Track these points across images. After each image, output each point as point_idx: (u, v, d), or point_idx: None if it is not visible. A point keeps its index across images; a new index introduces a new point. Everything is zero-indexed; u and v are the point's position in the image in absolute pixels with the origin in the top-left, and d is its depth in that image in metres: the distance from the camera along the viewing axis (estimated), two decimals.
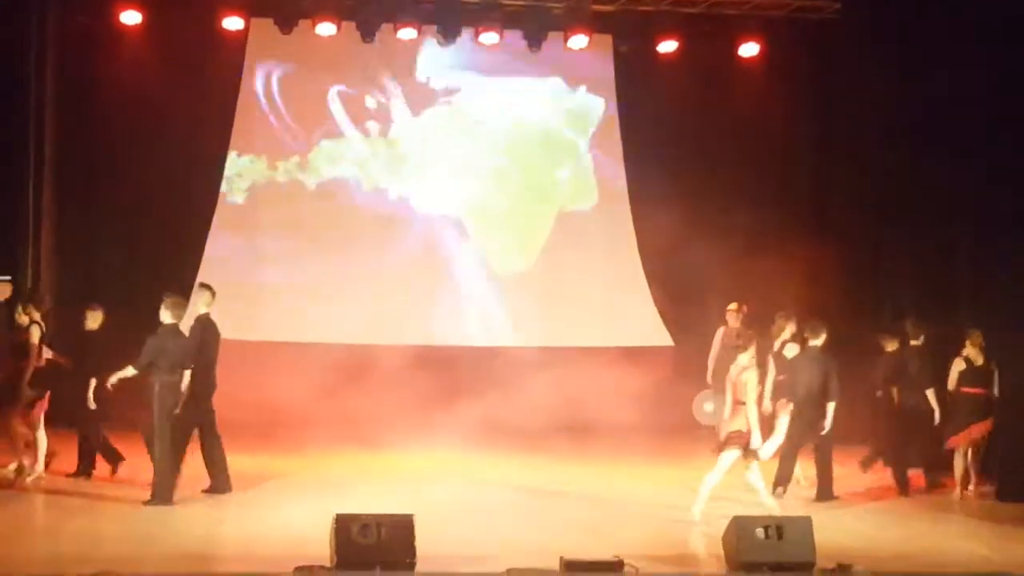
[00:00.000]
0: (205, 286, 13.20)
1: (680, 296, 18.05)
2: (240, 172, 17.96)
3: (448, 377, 16.52)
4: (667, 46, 18.04)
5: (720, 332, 16.35)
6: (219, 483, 12.57)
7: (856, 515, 12.55)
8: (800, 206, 18.42)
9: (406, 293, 18.07)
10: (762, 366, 12.84)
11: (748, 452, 11.94)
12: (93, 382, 12.88)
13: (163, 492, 11.92)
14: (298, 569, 9.29)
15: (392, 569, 9.25)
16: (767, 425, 12.69)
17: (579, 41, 17.87)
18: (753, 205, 18.02)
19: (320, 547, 9.54)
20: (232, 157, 17.88)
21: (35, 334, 12.88)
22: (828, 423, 13.25)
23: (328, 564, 9.33)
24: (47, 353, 13.04)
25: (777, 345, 14.17)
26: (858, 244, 17.47)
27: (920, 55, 15.90)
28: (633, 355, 16.88)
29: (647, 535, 11.07)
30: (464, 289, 18.18)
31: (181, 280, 17.13)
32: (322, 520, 9.76)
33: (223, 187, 17.82)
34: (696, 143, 18.33)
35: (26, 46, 16.93)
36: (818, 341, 13.46)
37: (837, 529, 11.34)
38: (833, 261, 17.70)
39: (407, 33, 17.58)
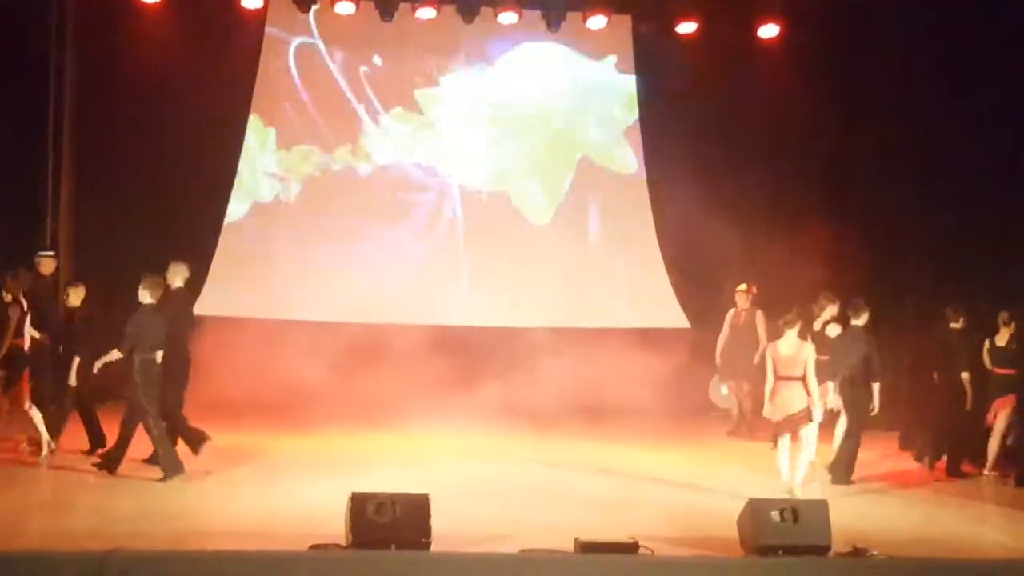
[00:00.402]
0: (181, 261, 13.25)
1: (697, 278, 18.00)
2: (261, 150, 17.92)
3: (465, 357, 16.51)
4: (687, 27, 17.98)
5: (730, 314, 16.39)
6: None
7: (872, 499, 12.51)
8: (820, 187, 18.30)
9: (423, 273, 18.03)
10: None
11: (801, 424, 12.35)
12: (77, 360, 12.86)
13: (173, 465, 12.04)
14: (313, 547, 9.32)
15: (407, 548, 9.25)
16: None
17: (597, 21, 17.84)
18: (773, 187, 18.00)
19: (335, 525, 9.55)
20: (254, 135, 17.82)
21: (14, 313, 12.73)
22: (876, 403, 13.33)
23: (343, 542, 9.34)
24: (33, 333, 12.96)
25: (819, 325, 14.22)
26: (879, 225, 17.37)
27: (942, 33, 15.79)
28: (650, 337, 16.83)
29: (662, 517, 11.07)
30: (482, 268, 18.13)
31: (200, 260, 17.21)
32: (338, 499, 9.77)
33: (241, 164, 17.77)
34: (716, 125, 18.24)
35: (45, 25, 16.95)
36: (860, 321, 13.53)
37: (853, 513, 11.32)
38: (854, 242, 17.66)
39: (426, 12, 17.53)
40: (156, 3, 17.07)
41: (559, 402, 15.68)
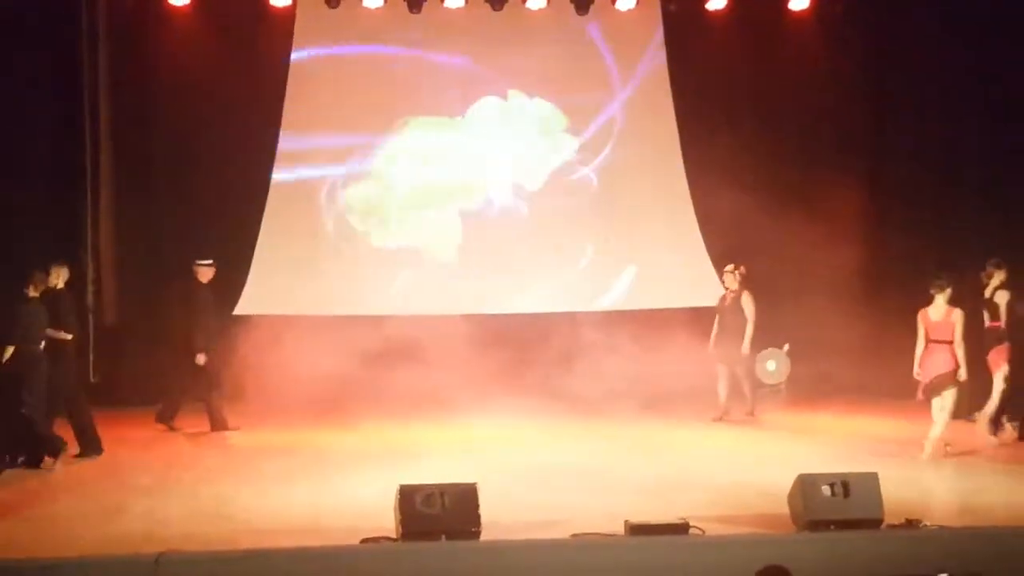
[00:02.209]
0: (64, 262, 13.59)
1: (737, 254, 17.90)
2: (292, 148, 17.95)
3: (510, 345, 16.50)
4: (716, 3, 17.90)
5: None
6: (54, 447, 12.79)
7: (924, 469, 12.45)
8: (856, 162, 18.21)
9: (468, 263, 18.07)
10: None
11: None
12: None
13: (94, 445, 13.04)
14: (364, 541, 9.34)
15: (457, 538, 9.27)
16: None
17: (627, 2, 17.78)
18: (808, 163, 17.87)
19: (386, 519, 9.58)
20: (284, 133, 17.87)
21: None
22: None
23: (394, 535, 9.37)
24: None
25: (988, 292, 14.27)
26: (917, 200, 17.20)
27: (976, 4, 15.63)
28: (692, 316, 16.78)
29: (712, 496, 11.04)
30: (525, 254, 18.11)
31: (237, 256, 17.30)
32: (387, 492, 9.79)
33: (277, 165, 17.81)
34: (748, 101, 18.18)
35: (77, 31, 17.08)
36: None
37: (904, 484, 11.23)
38: (892, 218, 17.58)
39: (454, 2, 17.51)
40: (186, 5, 17.12)
41: (605, 386, 15.63)
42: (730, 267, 15.92)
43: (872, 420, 15.60)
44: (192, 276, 15.29)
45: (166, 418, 15.24)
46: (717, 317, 15.90)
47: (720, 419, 15.58)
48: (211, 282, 15.34)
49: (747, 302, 15.64)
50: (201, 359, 14.97)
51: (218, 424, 15.18)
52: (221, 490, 11.53)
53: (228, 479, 12.04)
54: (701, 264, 18.18)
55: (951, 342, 12.75)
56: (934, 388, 12.87)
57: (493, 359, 15.50)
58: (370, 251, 17.72)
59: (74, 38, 17.01)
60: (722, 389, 15.76)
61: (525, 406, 15.43)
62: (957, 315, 12.80)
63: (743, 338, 15.51)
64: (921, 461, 12.75)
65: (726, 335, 15.68)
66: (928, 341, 12.90)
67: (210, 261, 15.42)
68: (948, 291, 12.84)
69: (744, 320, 15.56)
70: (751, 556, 8.05)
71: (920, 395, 13.03)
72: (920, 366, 12.96)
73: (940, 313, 12.86)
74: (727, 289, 15.95)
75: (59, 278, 13.37)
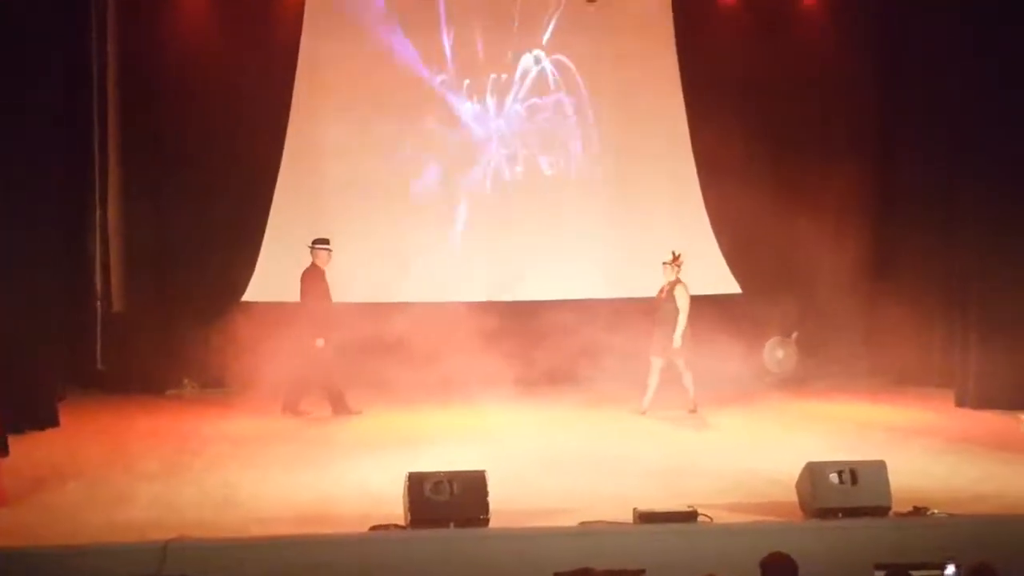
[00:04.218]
0: None
1: (746, 244, 17.92)
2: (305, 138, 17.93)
3: (517, 332, 16.49)
4: None
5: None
6: None
7: (931, 457, 12.44)
8: (865, 154, 18.16)
9: (478, 250, 18.07)
10: None
11: None
12: None
13: None
14: (374, 528, 9.37)
15: (466, 525, 9.31)
16: None
17: None
18: (817, 155, 17.80)
19: (394, 506, 9.60)
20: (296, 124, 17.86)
21: None
22: None
23: (403, 522, 9.39)
24: None
25: None
26: (926, 192, 17.09)
27: None
28: (701, 304, 16.76)
29: (720, 484, 11.06)
30: (534, 242, 18.09)
31: (245, 242, 17.31)
32: (396, 479, 9.81)
33: (284, 154, 17.78)
34: (759, 92, 18.11)
35: (87, 14, 17.06)
36: None
37: (912, 472, 11.26)
38: (901, 208, 17.54)
39: None
40: None
41: (612, 373, 15.64)
42: (668, 259, 15.26)
43: (880, 408, 15.60)
44: (311, 259, 15.41)
45: (291, 406, 15.17)
46: (656, 309, 15.38)
47: (644, 413, 15.12)
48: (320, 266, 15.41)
49: (680, 293, 15.06)
50: (320, 343, 14.99)
51: (340, 408, 15.24)
52: (229, 477, 11.56)
53: (236, 466, 12.06)
54: (710, 253, 18.16)
55: None
56: None
57: (502, 346, 15.47)
58: (378, 238, 17.66)
59: (83, 20, 16.98)
60: (651, 383, 15.21)
61: (534, 393, 15.47)
62: None
63: (673, 332, 14.96)
64: (929, 449, 12.76)
65: (661, 326, 15.16)
66: None
67: (328, 244, 15.45)
68: None
69: (678, 312, 15.01)
70: (759, 544, 8.05)
71: None
72: None
73: None
74: (666, 280, 15.28)
75: None
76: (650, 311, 15.32)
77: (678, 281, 15.14)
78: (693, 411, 15.18)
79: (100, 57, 17.26)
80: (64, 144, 15.60)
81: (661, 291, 15.29)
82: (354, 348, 15.53)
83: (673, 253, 15.22)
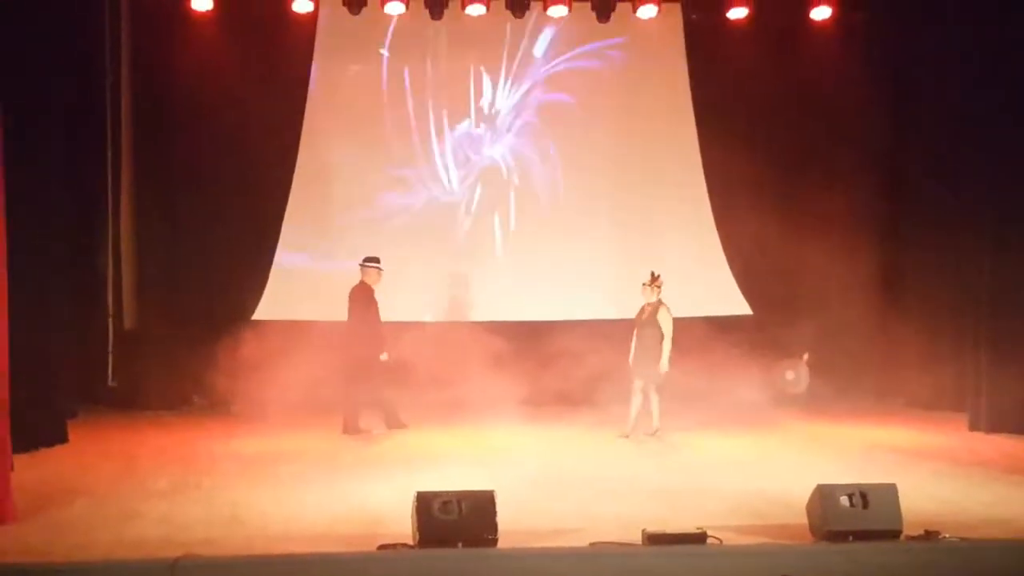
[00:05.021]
0: None
1: (757, 265, 17.90)
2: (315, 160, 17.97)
3: (526, 351, 16.49)
4: (737, 12, 17.85)
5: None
6: None
7: (943, 480, 12.38)
8: (875, 172, 18.18)
9: (487, 271, 18.10)
10: None
11: None
12: None
13: None
14: (382, 547, 9.35)
15: (475, 545, 9.27)
16: None
17: (648, 11, 17.72)
18: (827, 173, 17.81)
19: (403, 525, 9.58)
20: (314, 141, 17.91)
21: None
22: None
23: (411, 542, 9.36)
24: None
25: None
26: (937, 213, 17.04)
27: (999, 10, 15.49)
28: (711, 325, 16.76)
29: (730, 506, 11.00)
30: (544, 263, 18.11)
31: (256, 262, 17.34)
32: (403, 498, 9.79)
33: (295, 176, 17.81)
34: (769, 110, 18.15)
35: (100, 38, 17.15)
36: None
37: (923, 495, 11.21)
38: (912, 229, 17.50)
39: (476, 9, 17.47)
40: (208, 11, 17.11)
41: (622, 394, 15.60)
42: (646, 280, 15.00)
43: (891, 431, 15.56)
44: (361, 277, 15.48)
45: (351, 426, 15.23)
46: (635, 331, 15.14)
47: (627, 436, 14.94)
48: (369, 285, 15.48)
49: (664, 317, 14.75)
50: (384, 357, 15.12)
51: (393, 422, 15.36)
52: (238, 495, 11.53)
53: (245, 484, 12.04)
54: (721, 275, 18.16)
55: None
56: None
57: (510, 366, 15.47)
58: (387, 259, 17.66)
59: (97, 44, 17.08)
60: (634, 406, 15.04)
61: (542, 413, 15.45)
62: None
63: (660, 354, 14.72)
64: (940, 472, 12.71)
65: (643, 350, 14.95)
66: None
67: (379, 263, 15.51)
68: None
69: (661, 335, 14.79)
70: (769, 566, 8.04)
71: None
72: None
73: None
74: (646, 302, 15.05)
75: None
76: (629, 330, 15.20)
77: (660, 303, 14.89)
78: (652, 434, 14.97)
79: (113, 80, 17.39)
80: (77, 165, 15.68)
81: (642, 311, 15.06)
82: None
83: (652, 274, 15.00)
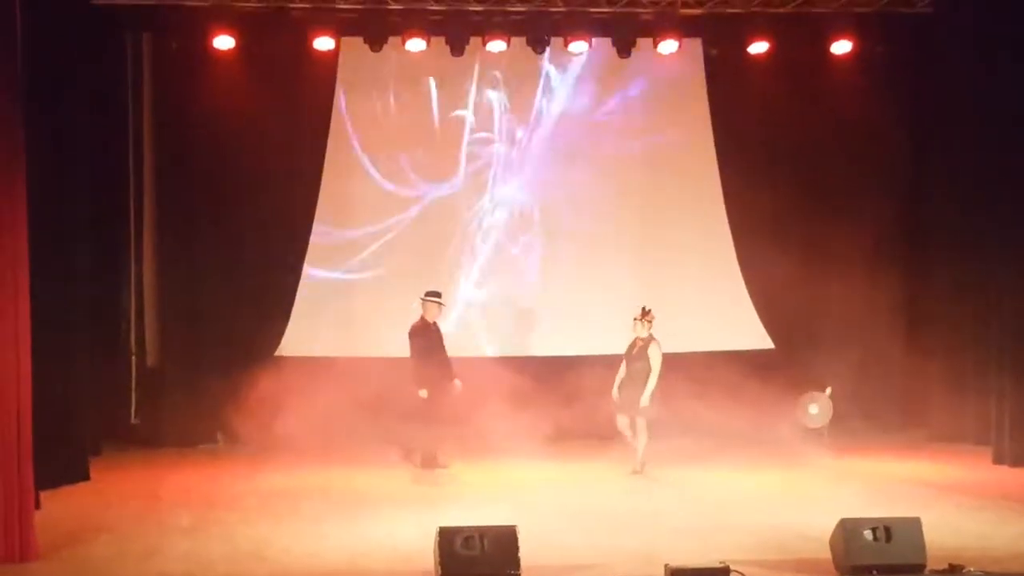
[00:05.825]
0: None
1: (779, 298, 17.83)
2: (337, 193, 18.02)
3: (546, 387, 16.44)
4: (758, 47, 17.86)
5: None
6: None
7: (967, 514, 12.31)
8: (897, 205, 18.14)
9: (509, 305, 18.10)
10: None
11: None
12: None
13: None
14: None
15: None
16: None
17: (669, 46, 17.73)
18: (848, 207, 17.76)
19: (425, 561, 9.57)
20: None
21: None
22: None
23: None
24: None
25: None
26: (960, 244, 16.99)
27: (1019, 45, 15.46)
28: (733, 359, 16.72)
29: (753, 540, 10.97)
30: (563, 297, 18.10)
31: (281, 301, 17.39)
32: (426, 533, 9.79)
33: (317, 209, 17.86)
34: (790, 144, 18.14)
35: (123, 75, 17.28)
36: None
37: (947, 529, 11.15)
38: (934, 262, 17.45)
39: (496, 46, 17.53)
40: (230, 50, 17.20)
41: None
42: (637, 314, 15.01)
43: (915, 464, 15.49)
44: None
45: (429, 461, 15.28)
46: (624, 364, 15.09)
47: (639, 471, 14.85)
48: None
49: (654, 353, 14.73)
50: (423, 394, 15.08)
51: (428, 461, 15.27)
52: (260, 532, 11.54)
53: (267, 521, 12.04)
54: (743, 308, 18.13)
55: None
56: None
57: (530, 401, 15.45)
58: (409, 293, 17.69)
59: (119, 81, 17.22)
60: (639, 440, 14.90)
61: (563, 449, 15.43)
62: None
63: (643, 390, 14.68)
64: (965, 506, 12.64)
65: (631, 384, 14.87)
66: None
67: (440, 297, 15.62)
68: None
69: (648, 371, 14.74)
70: None
71: None
72: None
73: None
74: (636, 336, 15.01)
75: None
76: (618, 365, 15.16)
77: (651, 338, 14.87)
78: (638, 472, 14.86)
79: (136, 116, 17.51)
80: (100, 201, 15.79)
81: (633, 345, 15.03)
82: (380, 403, 15.56)
83: (643, 309, 15.00)
